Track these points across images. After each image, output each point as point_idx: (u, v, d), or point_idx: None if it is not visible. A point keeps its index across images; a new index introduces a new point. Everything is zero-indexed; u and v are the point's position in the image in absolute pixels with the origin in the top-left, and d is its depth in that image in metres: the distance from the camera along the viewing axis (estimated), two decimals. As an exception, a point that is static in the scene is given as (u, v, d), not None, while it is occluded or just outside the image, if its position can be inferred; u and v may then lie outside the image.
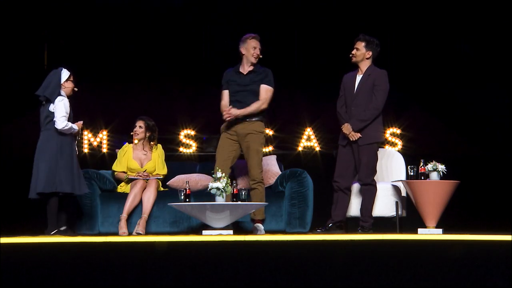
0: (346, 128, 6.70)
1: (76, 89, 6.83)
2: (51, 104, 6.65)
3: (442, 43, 9.85)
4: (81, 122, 6.81)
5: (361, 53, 6.76)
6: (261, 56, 6.81)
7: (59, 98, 6.66)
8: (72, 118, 6.76)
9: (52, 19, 9.61)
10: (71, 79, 6.80)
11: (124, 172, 7.20)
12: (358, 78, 6.78)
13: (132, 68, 9.78)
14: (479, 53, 9.76)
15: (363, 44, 6.76)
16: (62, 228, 6.58)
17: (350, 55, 6.81)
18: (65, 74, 6.77)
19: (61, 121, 6.61)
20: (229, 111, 6.69)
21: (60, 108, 6.63)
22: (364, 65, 6.79)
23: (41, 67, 9.43)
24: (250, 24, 9.63)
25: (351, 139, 6.67)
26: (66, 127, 6.63)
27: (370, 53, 6.76)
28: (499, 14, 9.42)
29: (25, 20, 9.46)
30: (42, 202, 6.70)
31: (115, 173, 7.23)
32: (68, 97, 6.76)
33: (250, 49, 6.78)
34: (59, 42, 9.71)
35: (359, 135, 6.66)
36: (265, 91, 6.72)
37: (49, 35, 9.71)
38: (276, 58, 9.58)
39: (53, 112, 6.63)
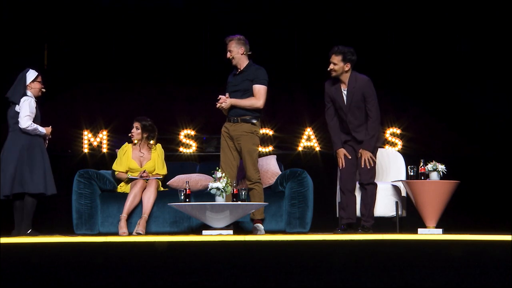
0: (342, 152, 6.69)
1: (44, 89, 6.83)
2: (17, 105, 6.67)
3: (442, 42, 9.86)
4: (49, 128, 6.82)
5: (340, 67, 6.60)
6: (230, 57, 6.78)
7: (24, 98, 6.67)
8: (40, 119, 6.76)
9: (52, 19, 9.61)
10: (39, 79, 6.80)
11: (124, 172, 7.20)
12: (344, 92, 6.68)
13: (132, 68, 9.78)
14: (479, 53, 9.77)
15: (339, 58, 6.58)
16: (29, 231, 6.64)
17: (329, 70, 6.65)
18: (31, 75, 6.78)
19: (25, 120, 6.61)
20: (225, 99, 6.70)
21: (25, 107, 6.63)
22: (345, 77, 6.65)
23: (41, 67, 9.43)
24: (250, 24, 9.65)
25: (367, 161, 6.60)
26: (30, 127, 6.62)
27: (349, 65, 6.60)
28: (499, 13, 9.42)
29: (25, 20, 9.46)
30: (9, 202, 6.74)
31: (116, 172, 7.23)
32: (37, 97, 6.76)
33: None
34: (59, 42, 9.71)
35: (369, 154, 6.62)
36: (258, 90, 6.72)
37: (49, 35, 9.72)
38: (276, 58, 9.60)
39: (18, 113, 6.64)
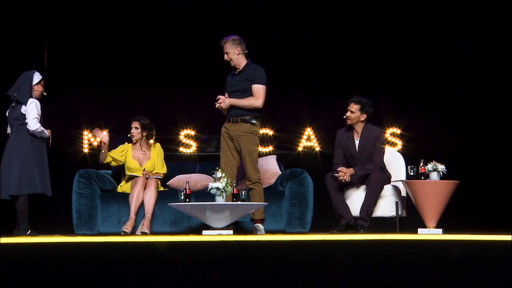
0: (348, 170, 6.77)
1: (45, 93, 6.86)
2: (23, 106, 6.69)
3: (442, 43, 9.86)
4: (49, 131, 6.85)
5: (356, 116, 6.83)
6: (227, 60, 6.77)
7: (30, 100, 6.70)
8: (42, 120, 6.79)
9: (52, 19, 9.61)
10: (42, 83, 6.84)
11: (108, 154, 7.13)
12: (356, 141, 6.88)
13: (131, 68, 9.78)
14: (479, 53, 9.77)
15: (357, 107, 6.81)
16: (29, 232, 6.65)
17: (345, 117, 6.86)
18: (37, 77, 6.83)
19: (34, 122, 6.66)
20: (224, 99, 6.69)
21: (32, 110, 6.67)
22: (359, 127, 6.87)
23: (41, 67, 9.44)
24: (250, 24, 9.65)
25: (345, 178, 6.70)
26: (39, 129, 6.67)
27: (365, 115, 6.84)
28: (499, 14, 9.42)
29: (25, 20, 9.46)
30: (13, 203, 6.74)
31: (103, 151, 7.15)
32: (37, 100, 6.78)
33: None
34: (59, 42, 9.72)
35: (351, 172, 6.72)
36: (257, 90, 6.71)
37: (49, 35, 9.72)
38: (276, 58, 9.61)
39: (24, 115, 6.66)
